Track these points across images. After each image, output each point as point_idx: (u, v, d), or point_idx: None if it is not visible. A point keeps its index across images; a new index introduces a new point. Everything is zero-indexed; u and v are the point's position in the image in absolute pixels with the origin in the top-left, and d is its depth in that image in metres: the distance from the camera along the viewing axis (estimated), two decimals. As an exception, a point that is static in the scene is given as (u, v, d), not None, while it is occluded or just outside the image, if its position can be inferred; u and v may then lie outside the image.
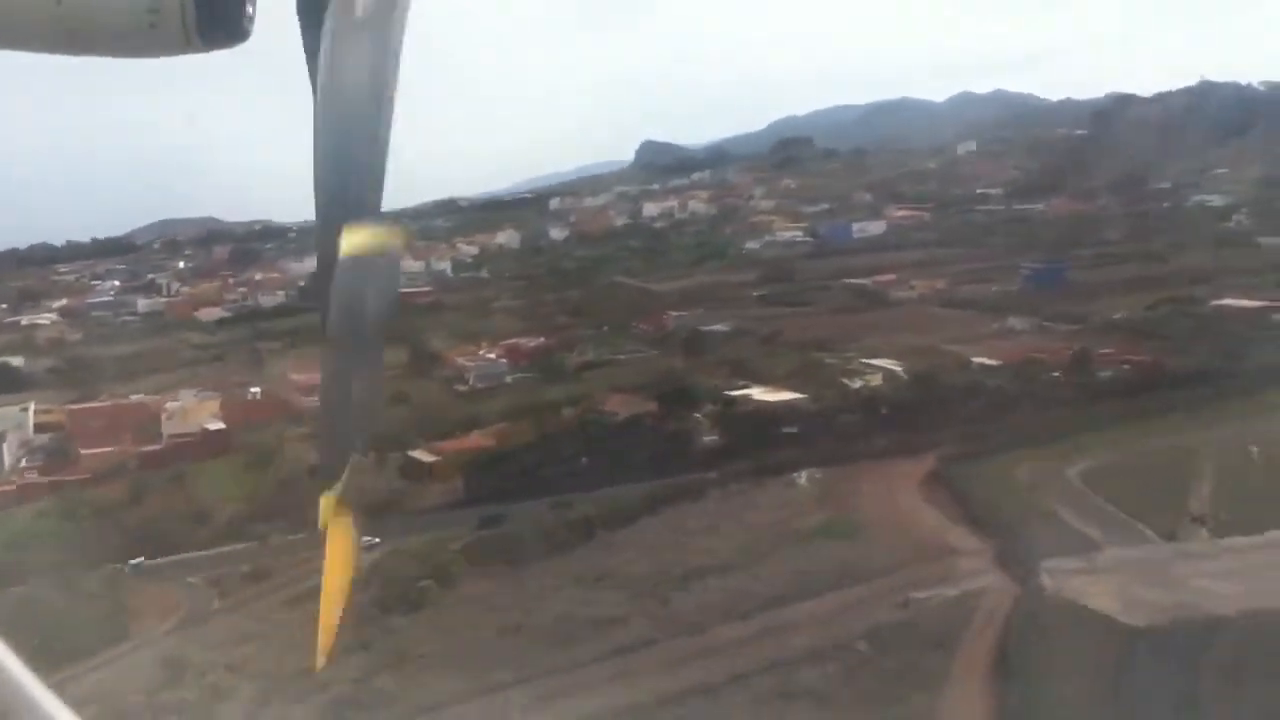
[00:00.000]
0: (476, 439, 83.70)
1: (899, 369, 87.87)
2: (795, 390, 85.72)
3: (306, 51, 3.02)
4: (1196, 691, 37.55)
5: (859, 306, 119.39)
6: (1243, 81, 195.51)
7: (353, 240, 2.54)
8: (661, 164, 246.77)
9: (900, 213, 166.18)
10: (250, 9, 3.48)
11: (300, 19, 3.07)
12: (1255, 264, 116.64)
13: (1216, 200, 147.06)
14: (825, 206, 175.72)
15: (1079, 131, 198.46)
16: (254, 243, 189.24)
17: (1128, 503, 58.74)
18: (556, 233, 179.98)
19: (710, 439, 79.24)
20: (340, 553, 2.70)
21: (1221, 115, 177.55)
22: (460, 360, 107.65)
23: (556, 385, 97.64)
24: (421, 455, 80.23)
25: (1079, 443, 69.37)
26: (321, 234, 2.63)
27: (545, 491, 71.88)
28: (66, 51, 3.51)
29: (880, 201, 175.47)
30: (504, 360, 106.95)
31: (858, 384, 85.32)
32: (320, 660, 2.78)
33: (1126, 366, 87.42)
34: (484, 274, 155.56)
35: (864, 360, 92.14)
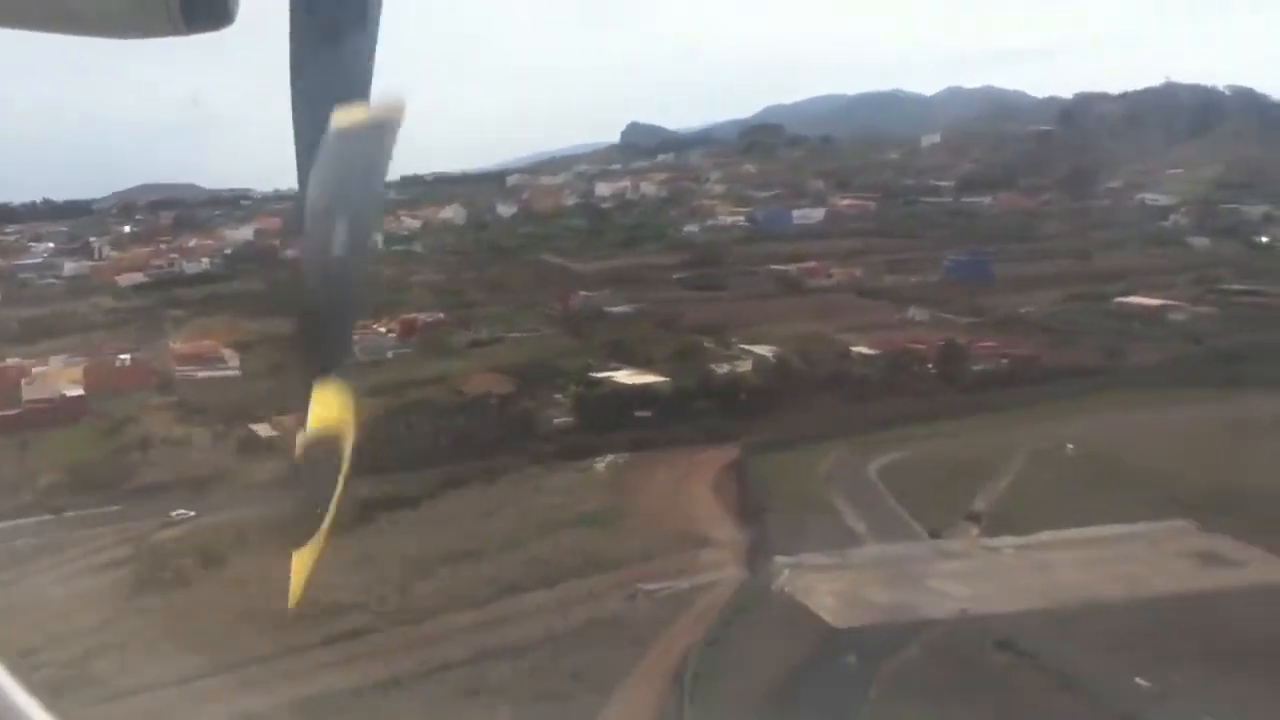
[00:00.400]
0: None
1: (770, 355, 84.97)
2: (666, 374, 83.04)
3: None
4: (865, 696, 34.71)
5: (772, 293, 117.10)
6: (1208, 84, 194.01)
7: (346, 117, 2.52)
8: (645, 145, 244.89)
9: (845, 202, 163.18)
10: None
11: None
12: (1177, 264, 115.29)
13: (1161, 200, 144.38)
14: (774, 193, 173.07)
15: (1044, 128, 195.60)
16: (204, 209, 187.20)
17: (915, 498, 55.54)
18: (504, 209, 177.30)
19: (561, 420, 76.61)
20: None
21: (1183, 116, 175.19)
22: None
23: (435, 362, 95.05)
24: (261, 429, 77.67)
25: (902, 434, 66.45)
26: (301, 116, 2.61)
27: (371, 470, 69.30)
28: (53, 30, 3.40)
29: (831, 190, 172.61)
30: (392, 335, 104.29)
31: (724, 369, 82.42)
32: (290, 603, 2.74)
33: (1004, 360, 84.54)
34: (415, 248, 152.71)
35: (742, 346, 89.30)
